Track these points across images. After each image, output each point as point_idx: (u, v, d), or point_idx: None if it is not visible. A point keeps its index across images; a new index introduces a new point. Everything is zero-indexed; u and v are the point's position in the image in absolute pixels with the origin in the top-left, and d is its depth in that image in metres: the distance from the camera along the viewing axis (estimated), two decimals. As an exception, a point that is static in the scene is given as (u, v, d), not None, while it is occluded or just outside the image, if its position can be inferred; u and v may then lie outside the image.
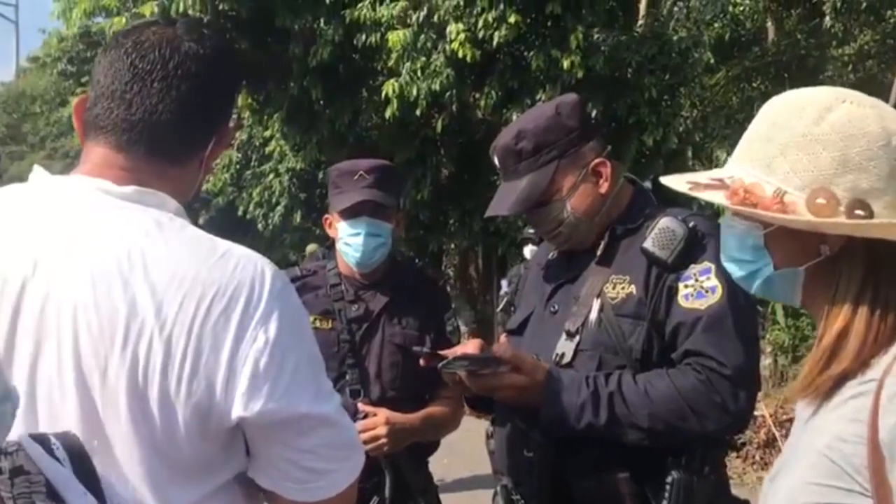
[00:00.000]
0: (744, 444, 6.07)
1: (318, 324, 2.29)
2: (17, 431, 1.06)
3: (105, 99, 1.17)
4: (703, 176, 1.14)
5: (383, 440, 2.16)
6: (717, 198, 1.10)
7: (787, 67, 11.41)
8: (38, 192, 1.16)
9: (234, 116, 11.80)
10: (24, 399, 1.06)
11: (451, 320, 2.39)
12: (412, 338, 2.28)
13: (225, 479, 1.14)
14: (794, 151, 1.06)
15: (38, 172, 1.19)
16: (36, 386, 1.07)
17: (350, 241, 2.27)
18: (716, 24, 11.46)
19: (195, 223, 1.19)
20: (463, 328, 10.16)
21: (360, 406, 2.20)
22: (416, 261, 9.28)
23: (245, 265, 1.10)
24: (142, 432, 1.06)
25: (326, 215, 2.40)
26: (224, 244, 1.13)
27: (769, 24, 11.94)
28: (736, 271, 1.17)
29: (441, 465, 5.68)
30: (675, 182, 1.15)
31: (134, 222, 1.11)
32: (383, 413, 2.19)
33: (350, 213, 2.26)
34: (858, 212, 1.01)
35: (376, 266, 2.32)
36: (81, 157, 1.20)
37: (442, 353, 1.73)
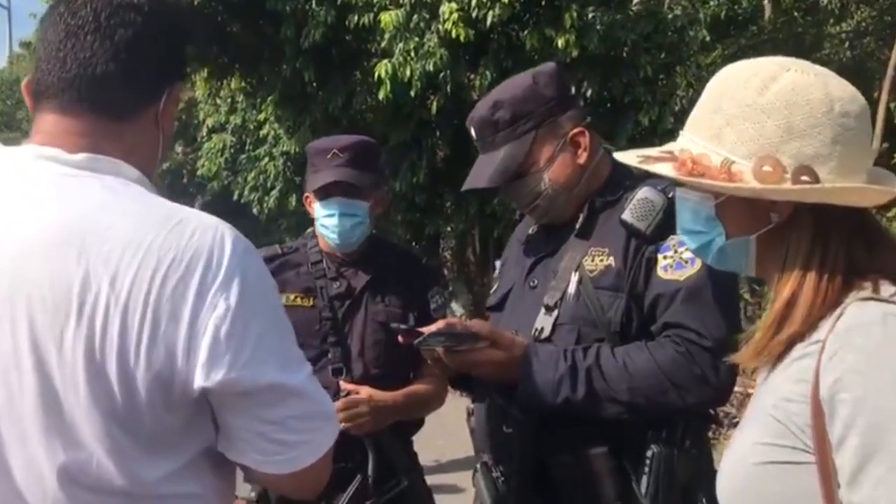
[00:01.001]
0: (738, 423, 6.06)
1: (299, 301, 2.28)
2: None
3: (43, 63, 1.14)
4: (654, 150, 1.16)
5: (366, 418, 2.13)
6: (665, 170, 1.11)
7: (783, 45, 11.33)
8: None
9: (228, 100, 11.72)
10: None
11: (435, 297, 2.35)
12: (395, 315, 2.25)
13: (193, 453, 1.11)
14: (740, 121, 1.07)
15: None
16: None
17: (326, 223, 2.26)
18: (711, 3, 11.38)
19: (190, 207, 1.16)
20: (460, 311, 10.18)
21: (342, 384, 2.18)
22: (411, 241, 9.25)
23: (204, 231, 1.07)
24: (103, 406, 1.03)
25: (306, 194, 2.37)
26: (183, 210, 1.10)
27: (766, 1, 11.85)
28: (691, 243, 1.19)
29: (436, 447, 5.70)
30: (627, 157, 1.17)
31: (86, 191, 1.08)
32: (366, 391, 2.16)
33: (323, 194, 2.24)
34: (804, 178, 1.03)
35: (359, 244, 2.30)
36: (33, 127, 1.16)
37: (419, 329, 1.71)
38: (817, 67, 1.09)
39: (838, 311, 1.01)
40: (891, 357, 0.96)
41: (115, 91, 1.13)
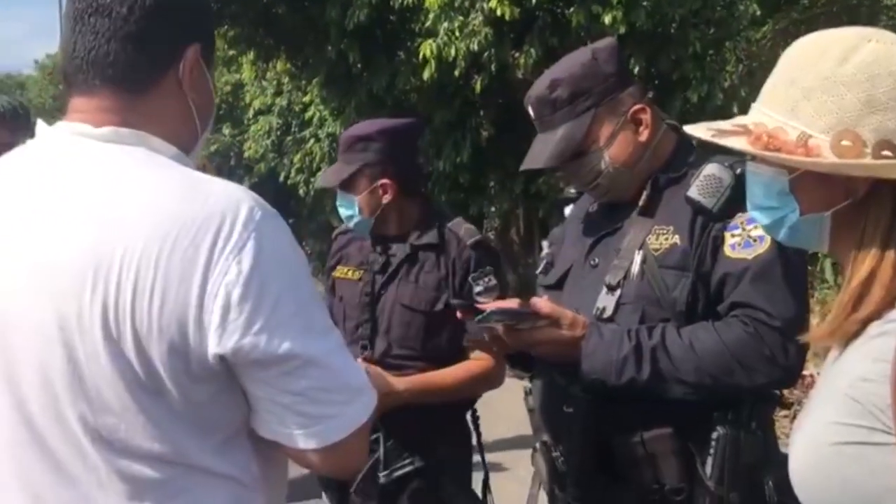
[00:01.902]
0: (791, 405, 5.98)
1: (349, 274, 2.41)
2: (5, 382, 1.07)
3: (62, 51, 1.17)
4: (726, 123, 1.11)
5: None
6: (739, 144, 1.07)
7: (837, 18, 11.02)
8: (32, 146, 1.17)
9: (274, 82, 11.78)
10: (9, 351, 1.06)
11: (483, 279, 2.31)
12: (424, 297, 2.28)
13: (231, 429, 1.10)
14: (818, 94, 1.03)
15: (40, 127, 1.19)
16: (26, 337, 1.06)
17: (343, 211, 2.39)
18: (762, -24, 11.11)
19: None
20: (505, 291, 10.16)
21: (359, 361, 2.16)
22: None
23: (219, 197, 1.05)
24: (125, 375, 1.03)
25: None
26: (203, 178, 1.09)
27: (819, -26, 11.53)
28: (762, 219, 1.15)
29: (482, 426, 5.70)
30: (698, 130, 1.13)
31: (111, 162, 1.09)
32: (372, 370, 2.10)
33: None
34: (886, 152, 0.99)
35: (364, 232, 2.38)
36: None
37: (479, 306, 1.70)
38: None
39: None
40: None
41: (121, 67, 1.13)
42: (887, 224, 1.02)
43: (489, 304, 1.70)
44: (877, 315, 1.01)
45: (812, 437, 1.05)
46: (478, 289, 2.28)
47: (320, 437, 1.09)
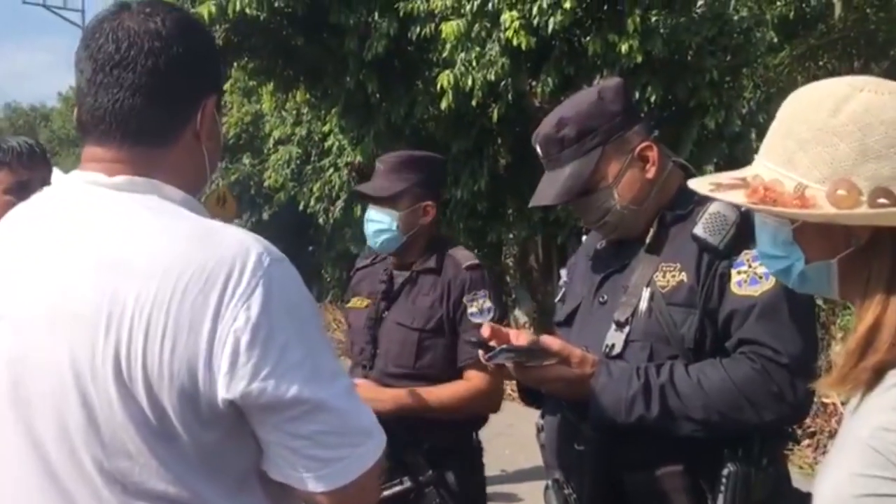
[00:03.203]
0: (814, 434, 5.91)
1: (358, 303, 2.55)
2: (23, 424, 1.09)
3: (79, 98, 1.18)
4: (726, 176, 1.13)
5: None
6: (737, 197, 1.09)
7: (855, 43, 11.02)
8: (48, 194, 1.20)
9: (293, 112, 11.92)
10: (29, 396, 1.09)
11: (477, 301, 2.39)
12: (418, 317, 2.39)
13: (242, 471, 1.12)
14: (812, 145, 1.04)
15: (56, 175, 1.23)
16: (42, 382, 1.08)
17: (369, 228, 2.48)
18: (778, 3, 11.11)
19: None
20: (524, 318, 10.13)
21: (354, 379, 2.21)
22: (474, 249, 9.27)
23: (229, 244, 1.07)
24: (137, 420, 1.05)
25: None
26: (216, 227, 1.11)
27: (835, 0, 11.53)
28: (772, 267, 1.16)
29: (503, 456, 5.68)
30: (701, 185, 1.15)
31: (125, 210, 1.11)
32: (361, 382, 2.27)
33: (371, 199, 2.47)
34: (882, 200, 0.99)
35: (391, 249, 2.47)
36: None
37: (489, 343, 1.71)
38: (893, 84, 1.06)
39: None
40: None
41: (144, 122, 1.15)
42: (890, 270, 1.02)
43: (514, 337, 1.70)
44: (887, 363, 1.00)
45: (834, 489, 1.03)
46: (471, 309, 2.37)
47: (329, 481, 1.10)
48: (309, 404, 1.07)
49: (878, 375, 1.01)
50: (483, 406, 2.41)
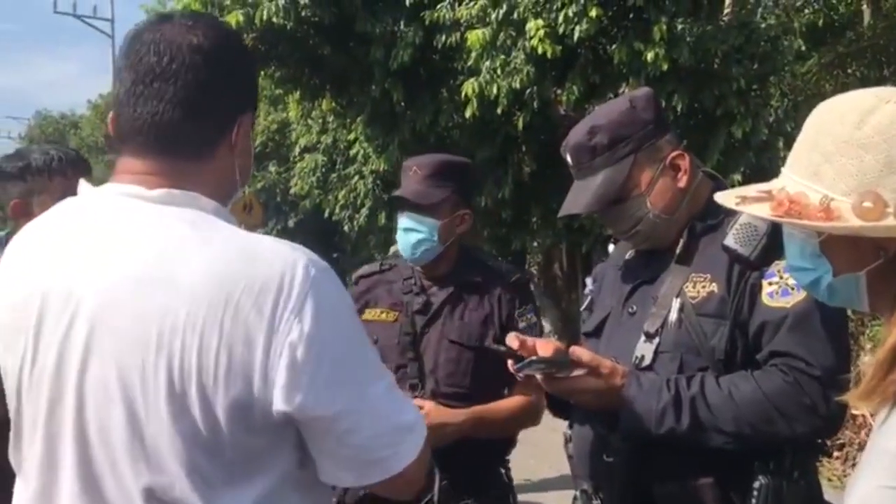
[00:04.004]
0: (843, 446, 5.83)
1: (382, 316, 2.35)
2: (69, 442, 1.11)
3: (117, 107, 1.19)
4: (752, 189, 1.14)
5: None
6: (763, 211, 1.10)
7: (884, 51, 10.89)
8: (80, 205, 1.20)
9: (319, 120, 12.00)
10: (73, 409, 1.10)
11: (526, 316, 2.33)
12: (471, 333, 2.27)
13: (275, 478, 1.14)
14: (838, 157, 1.04)
15: (82, 186, 1.22)
16: (85, 396, 1.10)
17: (401, 235, 2.33)
18: (806, 10, 11.03)
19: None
20: (548, 327, 10.10)
21: (415, 400, 2.17)
22: (498, 258, 9.28)
23: (276, 258, 1.09)
24: (186, 433, 1.07)
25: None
26: (259, 240, 1.13)
27: (864, 7, 11.41)
28: (801, 279, 1.16)
29: (527, 466, 5.66)
30: (727, 199, 1.16)
31: (166, 224, 1.12)
32: (428, 406, 2.15)
33: (398, 208, 2.33)
34: None
35: (428, 260, 2.33)
36: (115, 167, 1.22)
37: (519, 353, 1.71)
38: None
39: None
40: None
41: (183, 135, 1.16)
42: None
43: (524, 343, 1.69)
44: None
45: (862, 501, 1.03)
46: (521, 325, 2.29)
47: (375, 477, 1.16)
48: (358, 414, 1.12)
49: None
50: (534, 420, 2.35)
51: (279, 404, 1.07)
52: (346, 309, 1.16)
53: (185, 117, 1.15)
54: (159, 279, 1.07)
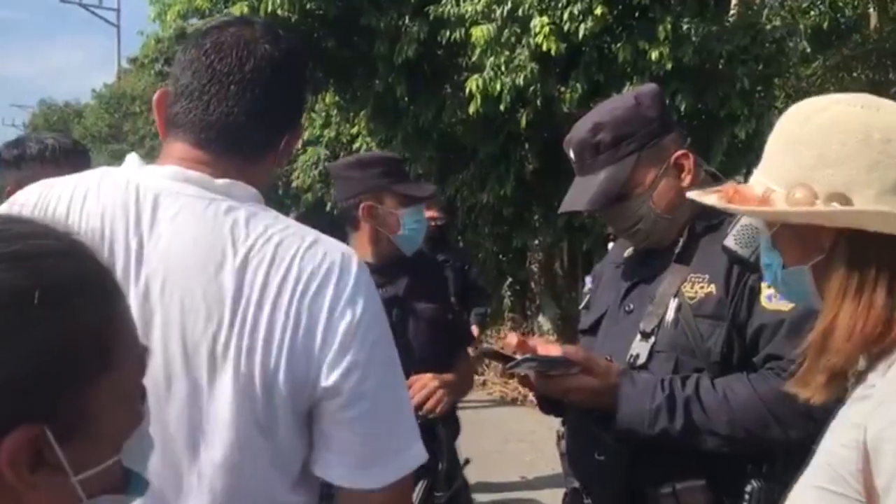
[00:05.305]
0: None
1: None
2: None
3: (184, 98, 1.22)
4: (727, 185, 1.20)
5: (443, 393, 2.26)
6: (711, 200, 1.17)
7: (890, 54, 10.86)
8: (141, 179, 1.20)
9: (322, 114, 12.01)
10: None
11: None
12: (440, 314, 2.46)
13: (299, 466, 1.18)
14: (782, 154, 1.12)
15: (132, 160, 1.24)
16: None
17: (417, 227, 2.42)
18: (812, 12, 10.99)
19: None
20: (547, 325, 10.09)
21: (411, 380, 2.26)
22: (495, 254, 9.30)
23: (334, 252, 1.18)
24: (246, 410, 1.12)
25: (368, 202, 2.40)
26: (312, 232, 1.21)
27: (871, 10, 11.37)
28: (767, 277, 1.22)
29: (523, 463, 5.66)
30: (696, 194, 1.23)
31: (232, 212, 1.17)
32: (426, 375, 2.29)
33: (420, 201, 2.44)
34: (834, 204, 1.03)
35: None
36: (162, 150, 1.25)
37: (510, 354, 1.70)
38: (873, 101, 1.09)
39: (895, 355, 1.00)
40: None
41: (246, 139, 1.23)
42: (843, 276, 1.05)
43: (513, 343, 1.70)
44: (839, 367, 1.05)
45: (794, 498, 1.09)
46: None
47: (375, 479, 1.17)
48: (383, 399, 1.17)
49: (834, 378, 1.06)
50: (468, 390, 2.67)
51: (323, 380, 1.13)
52: (378, 300, 1.23)
53: (250, 122, 1.22)
54: (230, 260, 1.12)
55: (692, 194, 1.21)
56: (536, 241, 9.94)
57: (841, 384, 1.08)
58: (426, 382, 2.26)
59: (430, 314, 2.43)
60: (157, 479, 1.09)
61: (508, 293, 11.09)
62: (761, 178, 1.13)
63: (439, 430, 2.29)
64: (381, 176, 2.42)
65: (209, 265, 1.12)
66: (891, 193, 1.03)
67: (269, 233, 1.16)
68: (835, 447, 1.02)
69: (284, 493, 1.18)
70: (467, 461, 2.48)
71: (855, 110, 1.07)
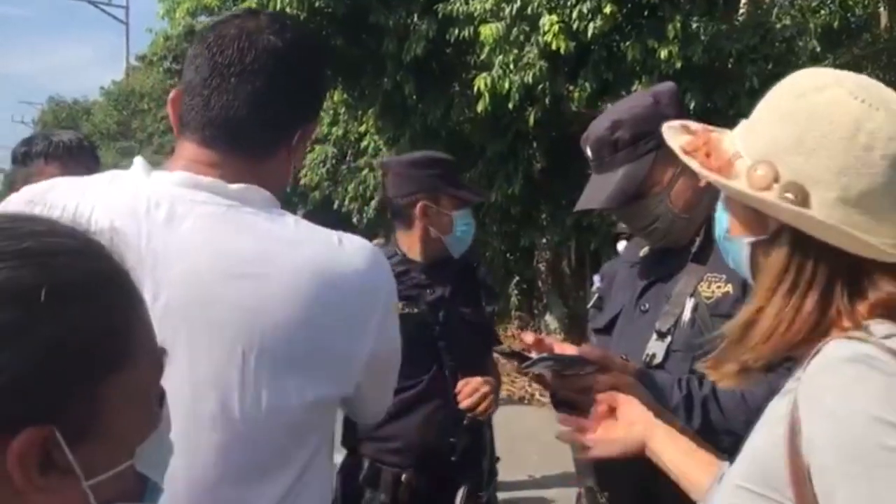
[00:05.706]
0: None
1: (405, 309, 2.43)
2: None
3: (188, 95, 1.19)
4: (700, 126, 1.15)
5: (491, 395, 2.33)
6: (679, 141, 1.11)
7: (901, 54, 10.81)
8: (153, 186, 1.16)
9: (330, 112, 12.03)
10: None
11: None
12: (477, 315, 2.52)
13: (305, 460, 1.17)
14: (764, 123, 1.04)
15: (139, 164, 1.20)
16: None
17: (467, 230, 2.47)
18: (822, 12, 10.94)
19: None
20: (554, 324, 10.09)
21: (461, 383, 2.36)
22: (503, 253, 9.29)
23: (361, 251, 1.21)
24: (281, 420, 1.12)
25: (425, 202, 2.42)
26: (335, 233, 1.22)
27: (882, 9, 11.32)
28: (715, 228, 1.16)
29: (531, 461, 5.66)
30: (669, 134, 1.17)
31: (250, 219, 1.14)
32: (476, 379, 2.34)
33: (471, 203, 2.49)
34: (788, 195, 0.97)
35: None
36: (175, 151, 1.22)
37: (526, 353, 1.69)
38: (878, 95, 0.99)
39: (819, 346, 0.95)
40: (850, 403, 0.89)
41: (251, 134, 1.18)
42: (780, 268, 1.00)
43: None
44: (754, 359, 1.02)
45: (721, 497, 1.06)
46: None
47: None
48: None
49: (745, 371, 1.04)
50: None
51: (365, 351, 1.19)
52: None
53: (254, 117, 1.17)
54: (253, 271, 1.10)
55: (666, 131, 1.16)
56: (544, 240, 9.93)
57: (754, 377, 1.06)
58: (477, 386, 2.29)
59: (470, 317, 2.47)
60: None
61: (516, 292, 11.09)
62: (738, 140, 1.06)
63: (485, 430, 2.35)
64: (439, 177, 2.43)
65: (232, 278, 1.09)
66: (850, 204, 0.96)
67: (293, 239, 1.14)
68: (761, 444, 1.00)
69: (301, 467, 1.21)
70: (498, 458, 2.52)
71: (853, 102, 0.98)
